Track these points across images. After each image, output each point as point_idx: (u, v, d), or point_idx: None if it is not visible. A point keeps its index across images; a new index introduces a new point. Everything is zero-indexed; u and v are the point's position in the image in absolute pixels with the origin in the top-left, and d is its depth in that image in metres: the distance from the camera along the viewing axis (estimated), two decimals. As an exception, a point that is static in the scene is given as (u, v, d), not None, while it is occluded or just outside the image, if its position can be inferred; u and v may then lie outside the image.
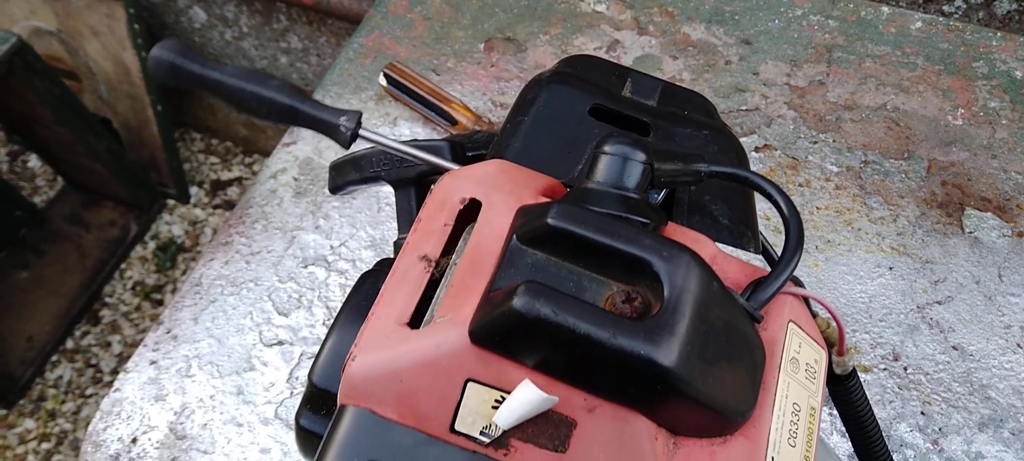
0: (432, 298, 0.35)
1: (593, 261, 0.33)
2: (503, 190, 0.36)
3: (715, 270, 0.36)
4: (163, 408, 0.65)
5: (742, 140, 0.81)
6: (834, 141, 0.81)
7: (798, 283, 0.38)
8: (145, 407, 0.65)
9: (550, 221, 0.32)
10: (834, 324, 0.41)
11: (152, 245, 1.85)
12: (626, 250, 0.32)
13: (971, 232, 0.76)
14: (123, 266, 1.83)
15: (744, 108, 0.84)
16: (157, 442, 0.64)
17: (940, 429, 0.65)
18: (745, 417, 0.33)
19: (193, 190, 1.89)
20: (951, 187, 0.78)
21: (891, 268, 0.73)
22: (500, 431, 0.32)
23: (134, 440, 0.64)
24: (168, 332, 0.69)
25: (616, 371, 0.30)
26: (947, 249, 0.74)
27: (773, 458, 0.33)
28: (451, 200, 0.36)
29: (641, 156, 0.36)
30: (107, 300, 1.80)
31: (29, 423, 1.68)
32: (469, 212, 0.36)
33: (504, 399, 0.32)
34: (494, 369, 0.32)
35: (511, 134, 0.42)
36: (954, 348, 0.69)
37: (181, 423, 0.64)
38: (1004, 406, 0.66)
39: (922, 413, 0.66)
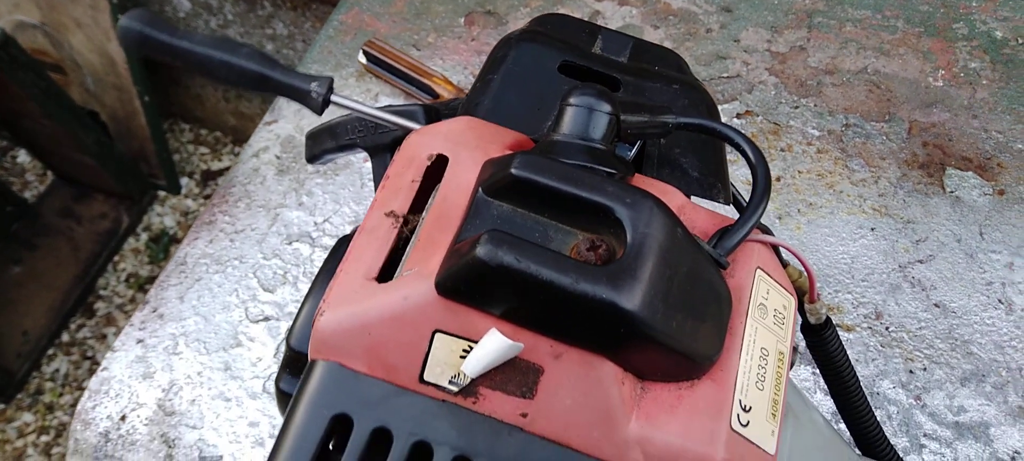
0: (402, 256, 0.35)
1: (558, 211, 0.33)
2: (470, 145, 0.36)
3: (683, 220, 0.36)
4: (151, 385, 0.66)
5: (723, 107, 0.81)
6: (815, 105, 0.81)
7: (767, 231, 0.38)
8: (133, 385, 0.66)
9: (514, 171, 0.32)
10: (805, 273, 0.41)
11: (144, 237, 1.85)
12: (589, 198, 0.32)
13: (952, 191, 0.76)
14: (116, 258, 1.83)
15: (725, 75, 0.84)
16: (146, 419, 0.64)
17: (923, 385, 0.66)
18: (712, 361, 0.33)
19: (183, 181, 1.89)
20: (932, 148, 0.78)
21: (873, 229, 0.74)
22: (468, 380, 0.32)
23: (123, 417, 0.64)
24: (154, 311, 0.69)
25: (580, 317, 0.31)
26: (928, 209, 0.75)
27: (741, 401, 0.34)
28: (418, 156, 0.36)
29: (607, 107, 0.36)
30: (101, 292, 1.81)
31: (27, 416, 1.68)
32: (437, 169, 0.36)
33: (471, 349, 0.32)
34: (461, 320, 0.32)
35: (481, 92, 0.42)
36: (936, 305, 0.70)
37: (169, 399, 0.65)
38: (986, 361, 0.67)
39: (906, 370, 0.66)
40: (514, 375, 0.32)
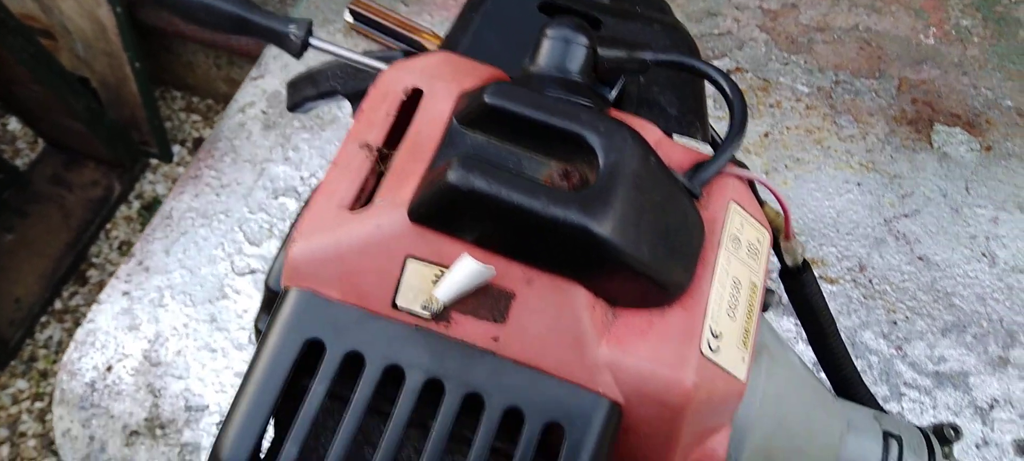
0: (376, 188, 0.35)
1: (531, 140, 0.33)
2: (445, 78, 0.36)
3: (659, 154, 0.36)
4: (137, 337, 0.66)
5: (714, 64, 0.81)
6: (805, 62, 0.81)
7: (742, 167, 0.38)
8: (119, 336, 0.66)
9: (487, 99, 0.32)
10: (781, 211, 0.41)
11: (136, 205, 1.84)
12: (561, 126, 0.32)
13: (940, 147, 0.76)
14: (108, 226, 1.83)
15: (716, 32, 0.83)
16: (132, 369, 0.64)
17: (904, 336, 0.66)
18: (683, 289, 0.34)
19: (175, 149, 1.88)
20: (921, 104, 0.78)
21: (859, 184, 0.74)
22: (441, 305, 0.32)
23: (109, 368, 0.65)
24: (140, 264, 0.69)
25: (551, 242, 0.31)
26: (915, 164, 0.75)
27: (711, 328, 0.34)
28: (393, 90, 0.36)
29: (583, 40, 0.36)
30: (94, 260, 1.81)
31: (21, 383, 1.69)
32: (412, 104, 0.36)
33: (444, 275, 0.32)
34: (433, 246, 0.32)
35: (459, 31, 0.42)
36: (920, 258, 0.70)
37: (155, 350, 0.65)
38: (968, 312, 0.68)
39: (888, 321, 0.67)
40: (486, 300, 0.32)
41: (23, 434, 1.65)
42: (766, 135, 0.76)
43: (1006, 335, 0.67)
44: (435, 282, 0.32)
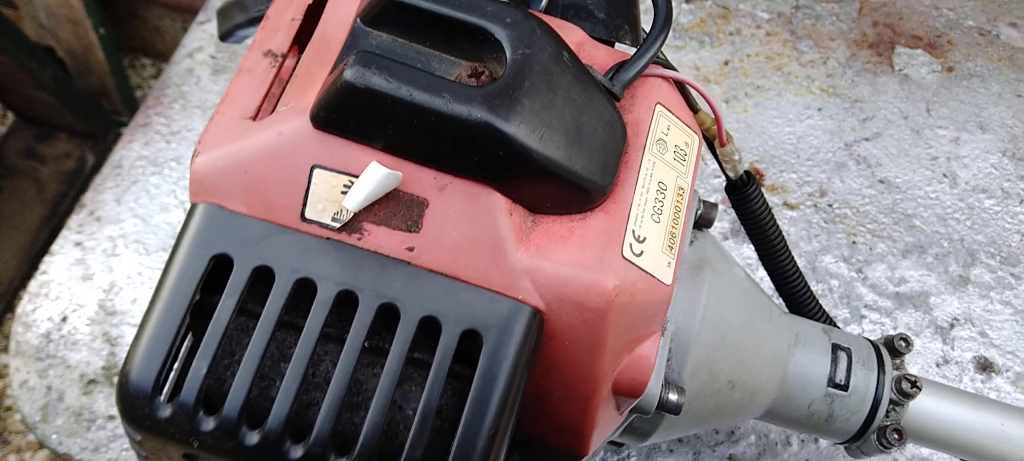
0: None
1: (439, 39, 0.32)
2: (353, -18, 0.35)
3: (582, 57, 0.35)
4: (91, 287, 0.65)
5: (671, -8, 0.79)
6: (765, -12, 0.79)
7: (670, 68, 0.37)
8: (73, 286, 0.65)
9: (389, -5, 0.31)
10: (714, 117, 0.40)
11: (111, 174, 1.82)
12: (466, 19, 0.31)
13: (901, 70, 0.75)
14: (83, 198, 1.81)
15: (674, -39, 0.81)
16: (88, 318, 0.64)
17: (864, 258, 0.66)
18: (604, 193, 0.33)
19: (148, 116, 1.85)
20: (882, 27, 0.77)
21: (820, 109, 0.73)
22: (350, 215, 0.31)
23: (64, 319, 0.64)
24: (91, 214, 0.68)
25: (458, 142, 0.30)
26: (876, 87, 0.74)
27: (634, 231, 0.33)
28: (300, -3, 0.35)
29: (496, -64, 0.34)
30: (71, 232, 1.79)
31: (4, 358, 1.69)
32: (318, 8, 0.35)
33: (353, 184, 0.31)
34: (340, 154, 0.31)
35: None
36: (880, 181, 0.69)
37: (110, 300, 0.64)
38: (928, 233, 0.67)
39: (848, 244, 0.66)
40: (399, 209, 0.31)
41: (9, 408, 1.65)
42: (726, 63, 0.75)
43: (966, 254, 0.66)
44: (344, 192, 0.31)
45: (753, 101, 0.73)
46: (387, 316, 0.31)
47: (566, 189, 0.32)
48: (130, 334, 0.63)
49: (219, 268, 0.31)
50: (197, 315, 0.31)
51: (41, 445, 1.70)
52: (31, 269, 1.74)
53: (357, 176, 0.31)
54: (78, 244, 0.66)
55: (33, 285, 0.65)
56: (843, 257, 0.66)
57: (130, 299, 0.64)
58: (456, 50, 0.32)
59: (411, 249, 0.31)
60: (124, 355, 0.62)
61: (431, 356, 0.31)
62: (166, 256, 0.66)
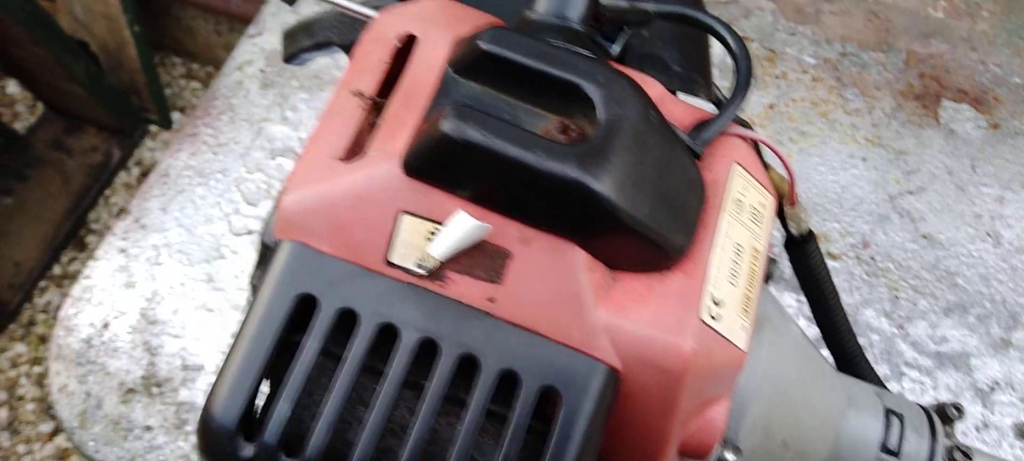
0: (368, 138, 0.34)
1: (529, 91, 0.32)
2: (441, 24, 0.35)
3: (661, 111, 0.35)
4: (133, 294, 0.65)
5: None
6: (812, 33, 0.79)
7: (747, 127, 0.37)
8: (115, 293, 0.65)
9: (482, 45, 0.31)
10: (786, 176, 0.40)
11: (136, 171, 1.83)
12: (559, 75, 0.31)
13: (946, 123, 0.75)
14: (107, 192, 1.82)
15: (722, 1, 0.82)
16: (129, 326, 0.64)
17: (906, 315, 0.66)
18: (683, 252, 0.33)
19: (175, 115, 1.86)
20: (929, 79, 0.77)
21: (864, 159, 0.73)
22: (435, 262, 0.31)
23: (106, 325, 0.64)
24: (136, 221, 0.69)
25: (547, 198, 0.30)
26: (921, 140, 0.74)
27: (712, 294, 0.33)
28: (386, 36, 0.35)
29: (584, -12, 0.35)
30: (93, 226, 1.80)
31: (20, 347, 1.69)
32: (406, 51, 0.35)
33: (439, 231, 0.31)
34: (428, 201, 0.31)
35: (457, -18, 0.41)
36: (924, 237, 0.69)
37: (152, 309, 0.65)
38: (971, 292, 0.67)
39: (890, 299, 0.66)
40: (482, 259, 0.31)
41: (21, 397, 1.66)
42: (771, 107, 0.75)
43: (1009, 317, 0.66)
44: (429, 239, 0.31)
45: (797, 146, 0.73)
46: (466, 366, 0.31)
47: (648, 248, 0.32)
48: (170, 344, 0.63)
49: (302, 307, 0.31)
50: (281, 352, 0.31)
51: (51, 437, 1.69)
52: (51, 260, 1.75)
53: (443, 224, 0.31)
54: (122, 251, 0.67)
55: (76, 289, 0.66)
56: (884, 312, 0.66)
57: (171, 309, 0.64)
58: (545, 104, 0.32)
59: (492, 300, 0.32)
60: (163, 366, 0.62)
61: (506, 408, 0.31)
62: (208, 267, 0.66)
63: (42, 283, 1.74)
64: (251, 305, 0.32)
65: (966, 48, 0.78)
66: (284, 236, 0.32)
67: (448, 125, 0.29)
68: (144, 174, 1.83)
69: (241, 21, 1.67)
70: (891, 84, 0.76)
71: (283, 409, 0.29)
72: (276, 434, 0.29)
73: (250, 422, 0.30)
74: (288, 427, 0.30)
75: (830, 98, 0.75)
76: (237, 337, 0.31)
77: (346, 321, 0.31)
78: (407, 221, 0.31)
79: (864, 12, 0.80)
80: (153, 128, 1.86)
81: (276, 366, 0.31)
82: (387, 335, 0.31)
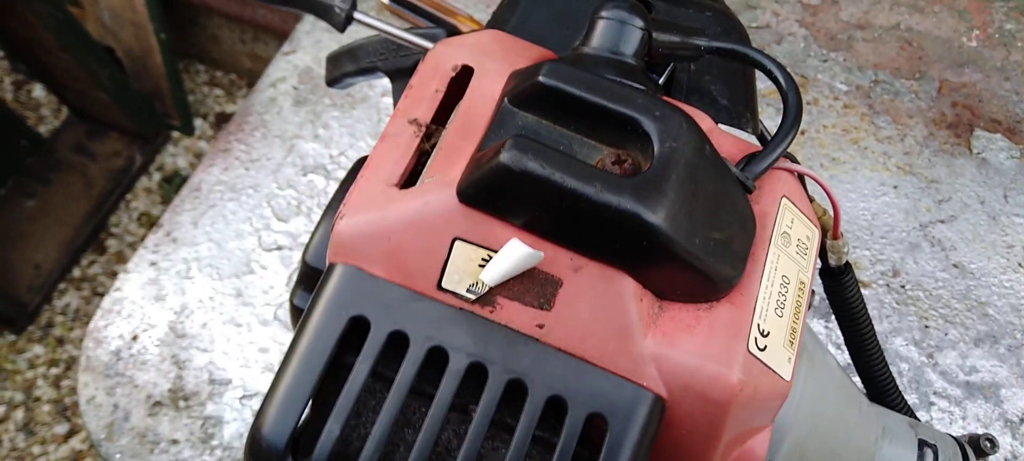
0: (423, 165, 0.35)
1: (585, 124, 0.32)
2: (496, 57, 0.35)
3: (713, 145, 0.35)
4: (163, 307, 0.66)
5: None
6: (845, 60, 0.79)
7: (794, 161, 0.37)
8: (145, 306, 0.66)
9: (541, 79, 0.31)
10: (830, 212, 0.40)
11: (157, 176, 1.85)
12: (616, 109, 0.31)
13: (979, 153, 0.75)
14: (128, 197, 1.84)
15: (755, 26, 0.82)
16: (157, 339, 0.65)
17: (936, 344, 0.65)
18: (732, 284, 0.33)
19: (198, 122, 1.88)
20: (961, 108, 0.77)
21: (896, 187, 0.72)
22: (486, 288, 0.32)
23: (135, 337, 0.65)
24: (168, 235, 0.69)
25: (601, 228, 0.30)
26: (953, 169, 0.73)
27: (759, 325, 0.33)
28: (443, 66, 0.36)
29: (639, 22, 0.35)
30: (113, 230, 1.82)
31: (38, 349, 1.71)
32: (461, 82, 0.36)
33: (491, 258, 0.31)
34: (482, 228, 0.32)
35: (508, 9, 0.41)
36: (955, 266, 0.69)
37: (181, 322, 0.65)
38: (1002, 323, 0.66)
39: (920, 328, 0.66)
40: (532, 286, 0.32)
41: (38, 399, 1.67)
42: (803, 133, 0.75)
43: (1040, 348, 0.66)
44: (482, 265, 0.32)
45: (829, 173, 0.73)
46: (514, 391, 0.31)
47: (699, 279, 0.32)
48: (198, 358, 0.63)
49: (353, 329, 0.32)
50: (328, 373, 0.31)
51: (66, 438, 1.70)
52: (71, 263, 1.77)
53: (496, 251, 0.31)
54: (153, 264, 0.68)
55: (107, 301, 0.66)
56: (914, 341, 0.65)
57: (200, 323, 0.65)
58: (600, 136, 0.32)
59: (541, 327, 0.32)
60: (190, 379, 0.63)
61: (553, 435, 0.31)
62: (238, 282, 0.67)
63: (61, 285, 1.76)
64: (301, 325, 0.32)
65: (1000, 78, 0.78)
66: (338, 260, 0.32)
67: (508, 155, 0.29)
68: (165, 180, 1.85)
69: (266, 31, 1.69)
70: (923, 112, 0.76)
71: (333, 429, 0.30)
72: (325, 454, 0.29)
73: (296, 442, 0.31)
74: (336, 447, 0.30)
75: (862, 125, 0.75)
76: (286, 356, 0.31)
77: (397, 344, 0.31)
78: (460, 248, 0.32)
79: (897, 40, 0.80)
80: (175, 134, 1.88)
81: (322, 388, 0.32)
82: (437, 359, 0.31)
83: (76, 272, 1.77)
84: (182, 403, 0.61)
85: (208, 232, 0.69)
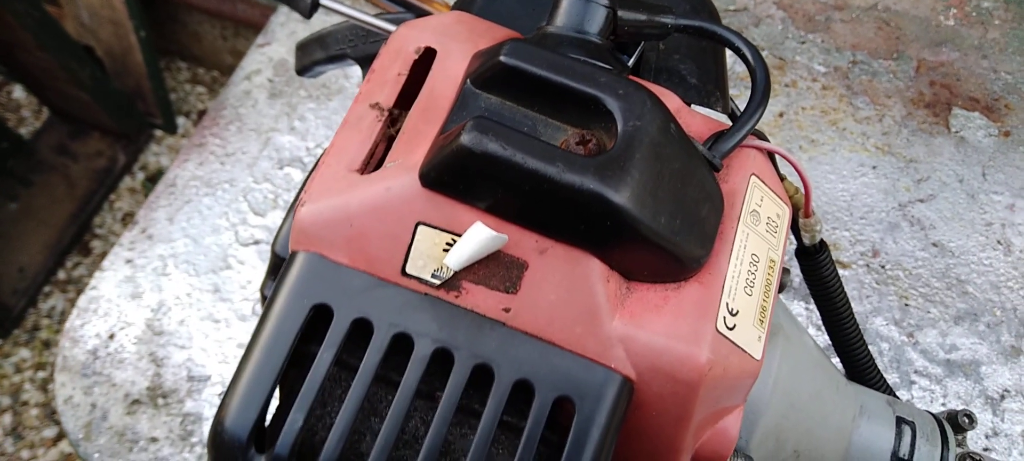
0: (387, 149, 0.34)
1: (548, 104, 0.32)
2: (460, 38, 0.35)
3: (679, 123, 0.35)
4: (139, 305, 0.65)
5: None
6: (823, 41, 0.79)
7: (763, 139, 0.37)
8: (121, 304, 0.65)
9: (502, 59, 0.31)
10: (801, 187, 0.40)
11: (141, 176, 1.84)
12: (579, 88, 0.31)
13: (957, 131, 0.75)
14: (112, 197, 1.82)
15: (732, 8, 0.82)
16: (135, 337, 0.64)
17: (916, 323, 0.65)
18: (700, 263, 0.33)
19: (180, 120, 1.87)
20: (939, 87, 0.77)
21: (875, 167, 0.72)
22: (451, 273, 0.31)
23: (111, 336, 0.64)
24: (143, 232, 0.68)
25: (566, 209, 0.30)
26: (932, 148, 0.74)
27: (728, 304, 0.33)
28: (406, 49, 0.35)
29: (603, 0, 0.34)
30: (97, 231, 1.80)
31: (24, 352, 1.69)
32: (425, 64, 0.35)
33: (455, 242, 0.31)
34: (445, 212, 0.31)
35: (472, -7, 0.41)
36: (934, 245, 0.69)
37: (158, 319, 0.64)
38: (981, 300, 0.66)
39: (900, 308, 0.66)
40: (498, 269, 0.31)
41: (25, 403, 1.66)
42: (781, 115, 0.75)
43: (1019, 324, 0.66)
44: (446, 249, 0.31)
45: (807, 155, 0.73)
46: (480, 376, 0.31)
47: (666, 259, 0.32)
48: (176, 355, 0.63)
49: (316, 318, 0.31)
50: (293, 362, 0.31)
51: (54, 442, 1.69)
52: (56, 265, 1.75)
53: (460, 235, 0.31)
54: (129, 261, 0.67)
55: (82, 300, 0.66)
56: (894, 320, 0.65)
57: (178, 320, 0.64)
58: (563, 116, 0.32)
59: (507, 310, 0.31)
60: (168, 377, 0.62)
61: (520, 419, 0.31)
62: (215, 278, 0.66)
63: (46, 288, 1.74)
64: (264, 315, 0.32)
65: (977, 56, 0.78)
66: (300, 247, 0.32)
67: (468, 137, 0.29)
68: (149, 179, 1.83)
69: (247, 26, 1.67)
70: (901, 92, 0.76)
71: (295, 419, 0.29)
72: (288, 445, 0.29)
73: (261, 433, 0.30)
74: (300, 438, 0.30)
75: (840, 106, 0.75)
76: (249, 347, 0.31)
77: (361, 331, 0.31)
78: (424, 232, 0.31)
79: (874, 20, 0.80)
80: (158, 133, 1.86)
81: (288, 377, 0.31)
82: (402, 345, 0.31)
83: (61, 274, 1.75)
84: (161, 401, 0.60)
85: (184, 228, 0.69)
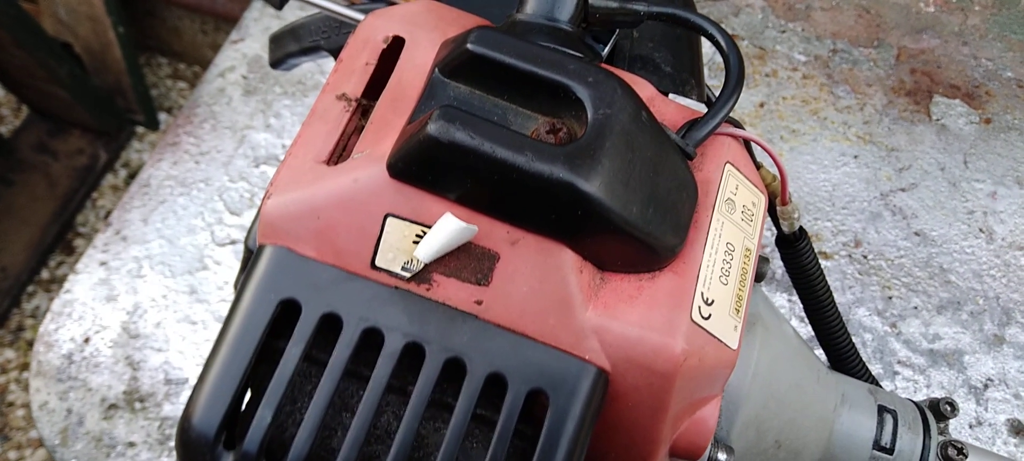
0: (355, 141, 0.33)
1: (517, 93, 0.31)
2: (428, 27, 0.34)
3: (652, 111, 0.34)
4: (115, 308, 0.64)
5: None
6: (803, 30, 0.79)
7: (738, 126, 0.37)
8: (96, 307, 0.64)
9: (470, 47, 0.30)
10: (777, 175, 0.40)
11: (123, 173, 1.82)
12: (548, 76, 0.30)
13: (938, 119, 0.75)
14: (94, 195, 1.80)
15: (712, -1, 0.81)
16: (110, 341, 0.63)
17: (899, 313, 0.65)
18: (674, 253, 0.32)
19: (162, 116, 1.85)
20: (920, 75, 0.77)
21: (856, 156, 0.72)
22: (421, 265, 0.31)
23: (86, 340, 0.63)
24: (117, 233, 0.67)
25: (536, 199, 0.29)
26: (913, 137, 0.73)
27: (703, 294, 0.33)
28: (373, 39, 0.34)
29: (573, -12, 0.34)
30: (80, 229, 1.78)
31: (9, 353, 1.67)
32: (393, 53, 0.34)
33: (425, 234, 0.30)
34: (414, 203, 0.31)
35: (444, -19, 0.40)
36: (916, 234, 0.69)
37: (134, 322, 0.64)
38: (964, 289, 0.67)
39: (883, 298, 0.66)
40: (469, 261, 0.31)
41: (11, 403, 1.64)
42: (761, 105, 0.74)
43: (1002, 313, 0.66)
44: (416, 242, 0.31)
45: (788, 145, 0.73)
46: (452, 370, 0.30)
47: (639, 249, 0.31)
48: (153, 358, 0.62)
49: (285, 313, 0.30)
50: (263, 358, 0.30)
51: (41, 443, 1.67)
52: (39, 264, 1.73)
53: (430, 226, 0.31)
54: (103, 264, 0.66)
55: (56, 304, 0.64)
56: (877, 310, 0.65)
57: (154, 322, 0.63)
58: (534, 105, 0.31)
59: (479, 302, 0.31)
60: (145, 380, 0.61)
61: (494, 413, 0.30)
62: (191, 279, 0.65)
63: (30, 288, 1.72)
64: (231, 310, 0.31)
65: (957, 43, 0.78)
66: (267, 241, 0.31)
67: (434, 127, 0.28)
68: (131, 176, 1.81)
69: (227, 20, 1.66)
70: (882, 80, 0.76)
71: (264, 416, 0.29)
72: (256, 442, 0.28)
73: (232, 430, 0.30)
74: (269, 434, 0.29)
75: (821, 96, 0.75)
76: (216, 343, 0.30)
77: (330, 326, 0.30)
78: (393, 224, 0.31)
79: (855, 8, 0.80)
80: (140, 129, 1.84)
81: (257, 373, 0.31)
82: (372, 340, 0.30)
83: (44, 274, 1.73)
84: (138, 405, 0.60)
85: (159, 229, 0.68)
